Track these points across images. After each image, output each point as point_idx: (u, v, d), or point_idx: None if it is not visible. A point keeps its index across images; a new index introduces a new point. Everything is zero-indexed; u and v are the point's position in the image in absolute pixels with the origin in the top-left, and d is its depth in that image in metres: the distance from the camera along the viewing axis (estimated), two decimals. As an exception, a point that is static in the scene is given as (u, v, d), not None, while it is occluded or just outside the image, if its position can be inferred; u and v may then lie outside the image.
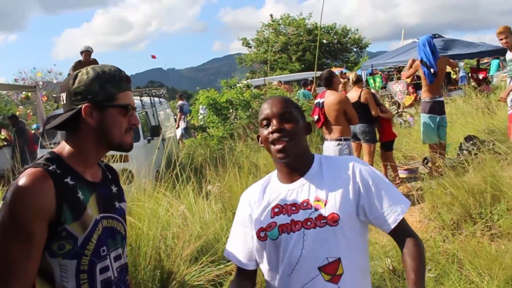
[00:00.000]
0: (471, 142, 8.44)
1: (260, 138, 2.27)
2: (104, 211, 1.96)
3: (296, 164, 2.19)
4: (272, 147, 2.16)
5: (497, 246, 5.04)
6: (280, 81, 19.40)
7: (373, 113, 8.13)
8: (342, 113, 7.03)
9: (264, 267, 2.25)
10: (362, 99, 8.08)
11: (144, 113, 9.92)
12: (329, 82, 7.30)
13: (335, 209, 2.08)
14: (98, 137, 1.92)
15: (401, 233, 2.12)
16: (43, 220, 1.72)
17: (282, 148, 2.13)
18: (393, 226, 2.10)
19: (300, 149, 2.19)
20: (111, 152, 5.62)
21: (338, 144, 7.08)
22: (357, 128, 8.10)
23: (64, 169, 1.85)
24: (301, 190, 2.17)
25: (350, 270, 2.07)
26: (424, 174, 7.77)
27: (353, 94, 8.25)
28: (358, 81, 8.49)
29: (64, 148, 1.93)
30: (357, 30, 38.61)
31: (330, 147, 7.12)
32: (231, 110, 12.91)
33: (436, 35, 16.24)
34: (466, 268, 4.48)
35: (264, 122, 2.20)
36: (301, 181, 2.19)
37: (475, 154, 7.22)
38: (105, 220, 1.95)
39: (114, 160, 7.04)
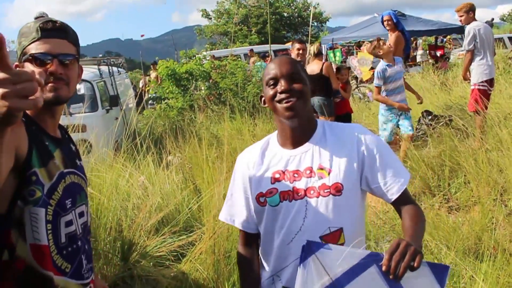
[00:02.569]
0: (430, 117, 8.59)
1: (263, 99, 2.23)
2: (70, 167, 1.94)
3: (301, 126, 2.14)
4: (279, 105, 2.10)
5: (455, 218, 5.16)
6: (252, 50, 19.33)
7: (334, 85, 8.09)
8: None
9: (261, 232, 2.23)
10: (324, 71, 8.03)
11: (102, 82, 9.69)
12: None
13: (339, 179, 2.06)
14: None
15: (404, 202, 2.10)
16: (18, 142, 1.66)
17: (291, 105, 2.07)
18: (396, 196, 2.08)
19: (307, 111, 2.14)
20: (67, 122, 5.41)
21: None
22: (316, 100, 8.05)
23: (29, 120, 1.82)
24: (304, 156, 2.13)
25: (351, 240, 2.06)
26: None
27: (314, 67, 8.21)
28: (319, 53, 8.41)
29: None
30: (317, 4, 38.61)
31: None
32: (191, 81, 12.76)
33: (396, 11, 16.36)
34: (425, 239, 4.56)
35: (271, 82, 2.13)
36: (304, 147, 2.15)
37: (433, 128, 7.36)
38: (70, 176, 1.92)
39: (72, 130, 6.87)
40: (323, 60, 8.55)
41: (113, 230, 4.53)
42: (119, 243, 4.44)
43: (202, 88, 12.68)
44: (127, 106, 10.96)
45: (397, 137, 7.64)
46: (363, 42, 17.45)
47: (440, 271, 1.72)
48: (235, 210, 2.30)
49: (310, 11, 36.79)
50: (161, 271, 4.33)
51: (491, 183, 5.45)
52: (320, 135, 2.16)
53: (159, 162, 6.36)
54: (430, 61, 18.30)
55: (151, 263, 4.47)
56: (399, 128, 7.34)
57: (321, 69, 8.07)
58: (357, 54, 17.78)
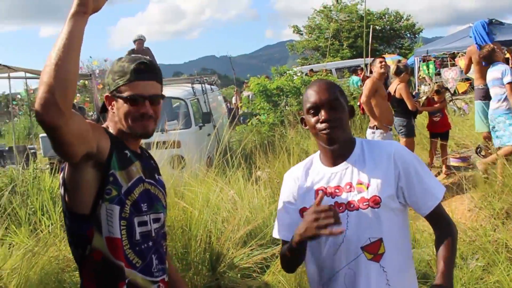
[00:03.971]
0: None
1: (305, 122, 2.32)
2: (149, 178, 2.19)
3: (341, 149, 2.25)
4: (321, 134, 2.21)
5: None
6: (311, 70, 19.19)
7: (409, 107, 7.90)
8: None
9: (307, 246, 2.26)
10: (396, 94, 7.93)
11: (195, 100, 10.08)
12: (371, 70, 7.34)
13: (377, 192, 2.16)
14: (118, 123, 2.13)
15: (437, 218, 2.23)
16: (99, 136, 1.98)
17: (331, 136, 2.19)
18: (428, 211, 2.19)
19: (346, 136, 2.25)
20: (163, 138, 5.78)
21: (372, 133, 7.13)
22: (395, 121, 7.99)
23: (113, 135, 2.12)
24: (344, 173, 2.24)
25: (391, 250, 2.16)
26: (476, 162, 7.64)
27: (392, 87, 8.15)
28: (398, 72, 8.15)
29: (108, 126, 2.18)
30: (409, 15, 37.81)
31: (367, 135, 7.19)
32: (281, 97, 12.95)
33: (493, 20, 15.77)
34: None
35: (312, 110, 2.24)
36: (344, 164, 2.25)
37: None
38: (149, 185, 2.17)
39: (167, 146, 7.23)
40: (407, 77, 8.37)
41: (203, 242, 4.75)
42: (208, 254, 4.65)
43: (293, 103, 12.83)
44: (219, 123, 11.33)
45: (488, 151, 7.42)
46: (458, 53, 16.92)
47: None
48: (283, 224, 2.39)
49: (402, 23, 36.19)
50: (246, 282, 4.49)
51: None
52: (359, 153, 2.27)
53: (249, 177, 6.56)
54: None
55: (238, 274, 4.64)
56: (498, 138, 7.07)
57: (395, 91, 7.97)
58: (450, 66, 17.27)
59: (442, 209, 2.24)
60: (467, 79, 15.61)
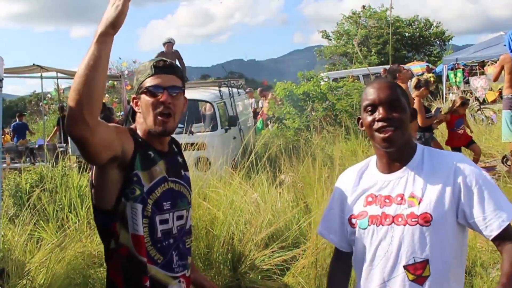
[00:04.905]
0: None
1: (361, 121, 2.19)
2: (173, 176, 2.28)
3: (398, 154, 2.10)
4: (377, 134, 2.07)
5: None
6: (385, 69, 19.22)
7: (420, 123, 7.70)
8: None
9: (354, 253, 2.25)
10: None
11: (222, 103, 10.19)
12: (394, 76, 7.26)
13: (429, 209, 1.99)
14: (144, 122, 2.23)
15: (506, 240, 1.95)
16: (123, 140, 2.09)
17: (388, 137, 2.04)
18: (496, 233, 1.94)
19: (405, 139, 2.10)
20: (189, 140, 5.91)
21: None
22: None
23: (138, 136, 2.22)
24: (397, 183, 2.10)
25: (438, 274, 2.00)
26: (502, 172, 7.57)
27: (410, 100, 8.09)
28: (418, 87, 7.97)
29: (136, 127, 2.29)
30: (439, 23, 37.45)
31: None
32: (307, 102, 12.98)
33: (526, 29, 15.59)
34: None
35: (369, 108, 2.10)
36: (400, 173, 2.11)
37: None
38: (173, 183, 2.26)
39: (193, 148, 7.35)
40: (426, 92, 8.29)
41: (225, 243, 4.84)
42: (230, 255, 4.73)
43: (319, 109, 12.85)
44: (245, 126, 11.41)
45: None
46: (487, 61, 16.75)
47: None
48: (331, 225, 2.33)
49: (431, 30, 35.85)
50: (266, 283, 4.56)
51: None
52: (418, 162, 2.11)
53: (273, 181, 6.62)
54: None
55: (259, 276, 4.71)
56: None
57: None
58: (480, 74, 17.08)
59: (511, 231, 1.97)
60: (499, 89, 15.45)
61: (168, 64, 2.25)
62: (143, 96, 2.20)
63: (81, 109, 1.79)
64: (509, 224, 1.94)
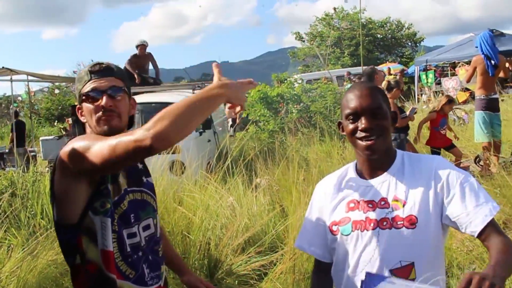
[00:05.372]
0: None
1: (342, 127, 2.16)
2: (133, 185, 2.18)
3: (380, 160, 2.10)
4: (360, 142, 2.05)
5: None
6: (349, 72, 19.36)
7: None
8: None
9: (334, 261, 2.20)
10: None
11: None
12: (371, 78, 7.27)
13: (414, 211, 1.98)
14: (92, 129, 2.14)
15: (491, 235, 1.88)
16: None
17: (371, 145, 2.03)
18: (480, 228, 1.88)
19: (387, 145, 2.10)
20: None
21: None
22: None
23: None
24: (380, 187, 2.08)
25: (423, 276, 1.95)
26: (474, 173, 7.66)
27: None
28: (389, 88, 7.89)
29: None
30: (411, 24, 37.91)
31: None
32: (282, 105, 12.97)
33: (494, 31, 15.85)
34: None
35: (351, 117, 2.07)
36: (381, 177, 2.10)
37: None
38: (134, 193, 2.17)
39: (167, 151, 7.27)
40: (398, 93, 8.31)
41: (202, 248, 4.78)
42: (206, 261, 4.68)
43: (293, 111, 12.86)
44: (219, 129, 11.34)
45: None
46: (458, 63, 16.98)
47: None
48: (310, 238, 2.28)
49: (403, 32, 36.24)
50: (244, 288, 4.52)
51: None
52: (398, 166, 2.10)
53: (248, 184, 6.58)
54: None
55: (236, 281, 4.66)
56: None
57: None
58: (451, 75, 17.33)
59: (496, 226, 1.92)
60: (467, 89, 15.67)
61: (105, 67, 2.16)
62: (84, 104, 2.13)
63: (175, 138, 1.79)
64: (493, 218, 1.91)
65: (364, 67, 12.66)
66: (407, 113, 8.15)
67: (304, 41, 38.95)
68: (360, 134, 2.05)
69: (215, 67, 2.03)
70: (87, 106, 2.11)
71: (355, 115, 2.06)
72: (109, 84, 2.12)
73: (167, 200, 5.33)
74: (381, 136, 2.04)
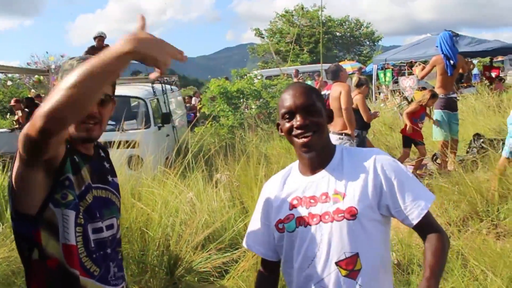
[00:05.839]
0: (481, 141, 8.45)
1: (280, 127, 2.20)
2: (98, 182, 2.08)
3: (318, 156, 2.14)
4: (296, 140, 2.10)
5: (503, 244, 5.06)
6: (297, 70, 19.41)
7: (364, 119, 7.79)
8: None
9: (282, 259, 2.22)
10: (353, 104, 7.75)
11: (155, 100, 9.96)
12: (336, 75, 7.34)
13: (354, 203, 2.02)
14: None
15: (426, 228, 2.03)
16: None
17: (307, 142, 2.08)
18: (416, 221, 2.01)
19: (323, 141, 2.14)
20: (122, 138, 5.63)
21: (339, 139, 7.11)
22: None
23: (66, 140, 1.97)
24: (320, 182, 2.12)
25: (369, 265, 2.02)
26: (433, 170, 7.77)
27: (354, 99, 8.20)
28: (359, 84, 8.08)
29: None
30: (369, 23, 38.42)
31: (332, 140, 7.12)
32: (241, 100, 12.94)
33: (450, 31, 16.15)
34: (471, 265, 4.50)
35: (287, 116, 2.13)
36: (322, 173, 2.13)
37: (484, 152, 7.23)
38: (98, 190, 2.07)
39: (124, 146, 7.11)
40: (367, 90, 8.41)
41: (161, 245, 4.68)
42: (166, 258, 4.58)
43: (253, 106, 12.83)
44: (178, 124, 11.21)
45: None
46: (415, 62, 17.26)
47: None
48: (257, 237, 2.31)
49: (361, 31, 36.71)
50: (205, 286, 4.45)
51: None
52: (338, 161, 2.15)
53: (208, 180, 6.50)
54: (485, 82, 17.90)
55: (196, 278, 4.58)
56: None
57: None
58: (408, 74, 17.60)
59: (431, 218, 2.05)
60: (424, 88, 15.91)
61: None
62: None
63: (72, 112, 1.58)
64: (428, 211, 2.03)
65: (325, 65, 12.68)
66: (371, 112, 8.25)
67: (264, 37, 39.01)
68: (296, 131, 2.11)
69: (141, 20, 1.66)
70: None
71: (290, 114, 2.12)
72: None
73: (125, 196, 5.19)
74: (316, 133, 2.10)
